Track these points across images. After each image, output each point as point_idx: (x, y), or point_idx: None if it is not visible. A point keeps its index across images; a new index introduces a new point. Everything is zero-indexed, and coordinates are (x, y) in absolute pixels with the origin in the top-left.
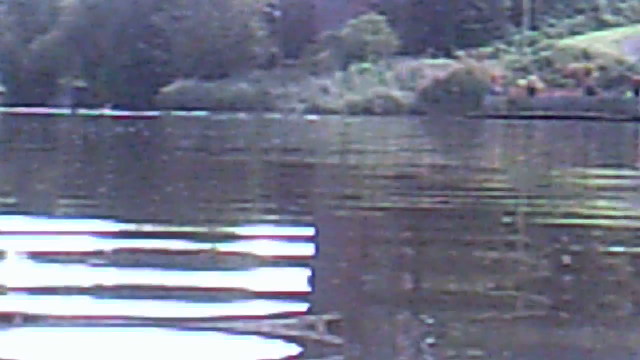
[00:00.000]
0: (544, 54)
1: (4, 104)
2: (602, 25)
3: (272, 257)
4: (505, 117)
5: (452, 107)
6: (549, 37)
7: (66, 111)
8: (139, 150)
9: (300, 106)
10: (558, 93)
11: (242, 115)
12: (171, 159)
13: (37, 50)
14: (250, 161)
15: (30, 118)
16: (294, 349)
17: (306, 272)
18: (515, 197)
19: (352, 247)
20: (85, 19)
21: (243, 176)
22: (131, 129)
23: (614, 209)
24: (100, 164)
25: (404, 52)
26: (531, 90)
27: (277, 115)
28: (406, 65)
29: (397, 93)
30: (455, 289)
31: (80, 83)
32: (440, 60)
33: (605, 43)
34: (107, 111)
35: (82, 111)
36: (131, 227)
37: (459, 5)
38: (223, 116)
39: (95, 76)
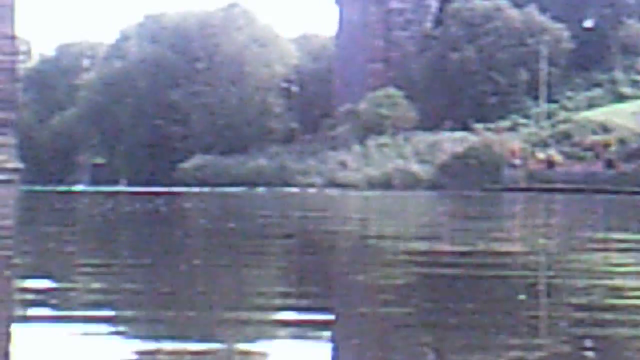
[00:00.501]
0: (562, 127)
1: (23, 181)
2: (620, 98)
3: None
4: (524, 190)
5: (471, 181)
6: (567, 110)
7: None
8: (157, 229)
9: (319, 180)
10: (577, 166)
11: (261, 190)
12: (189, 238)
13: (55, 127)
14: (269, 242)
15: (49, 195)
16: None
17: None
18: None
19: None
20: (104, 96)
21: (261, 258)
22: (149, 205)
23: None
24: (117, 245)
25: (421, 126)
26: (550, 163)
27: (296, 190)
28: (424, 139)
29: (415, 167)
30: None
31: (99, 159)
32: (459, 134)
33: (623, 116)
34: (122, 187)
35: (100, 188)
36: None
37: (477, 79)
38: (242, 191)
39: (114, 152)
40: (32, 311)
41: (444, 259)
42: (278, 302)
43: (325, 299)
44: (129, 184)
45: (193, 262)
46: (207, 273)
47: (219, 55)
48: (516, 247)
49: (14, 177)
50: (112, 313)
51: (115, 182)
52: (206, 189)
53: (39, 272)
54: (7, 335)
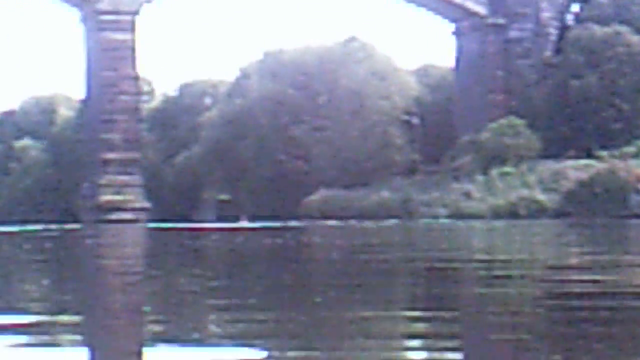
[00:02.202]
0: None
1: (150, 219)
2: None
3: None
4: None
5: (597, 208)
6: None
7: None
8: (288, 262)
9: (443, 212)
10: None
11: (386, 222)
12: (321, 271)
13: (180, 165)
14: (400, 271)
15: (177, 232)
16: None
17: None
18: None
19: None
20: (226, 133)
21: (392, 291)
22: (278, 240)
23: None
24: (250, 279)
25: (545, 155)
26: None
27: (420, 222)
28: (548, 167)
29: (540, 195)
30: None
31: (224, 196)
32: (583, 161)
33: None
34: (245, 223)
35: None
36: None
37: (599, 106)
38: (367, 224)
39: (238, 189)
40: (163, 350)
41: (577, 290)
42: (410, 330)
43: (457, 331)
44: (251, 220)
45: (329, 294)
46: (342, 307)
47: (339, 89)
48: None
49: (141, 215)
50: (248, 351)
51: (236, 219)
52: (331, 222)
53: (167, 308)
54: None
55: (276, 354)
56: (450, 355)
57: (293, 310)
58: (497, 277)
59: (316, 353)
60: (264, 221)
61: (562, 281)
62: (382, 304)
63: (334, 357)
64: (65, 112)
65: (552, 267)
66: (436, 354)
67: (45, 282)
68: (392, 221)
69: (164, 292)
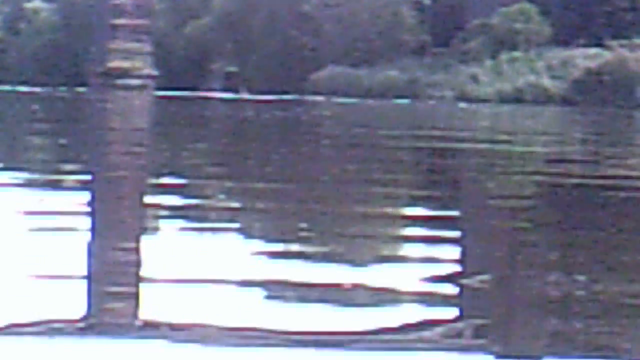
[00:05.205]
0: None
1: (157, 87)
2: None
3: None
4: None
5: (604, 98)
6: None
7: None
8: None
9: (450, 94)
10: None
11: (392, 102)
12: (322, 147)
13: (189, 35)
14: (404, 150)
15: (183, 101)
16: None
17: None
18: None
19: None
20: (237, 5)
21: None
22: (284, 114)
23: None
24: (247, 147)
25: (555, 42)
26: None
27: (428, 102)
28: (557, 55)
29: (547, 82)
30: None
31: (232, 68)
32: (592, 50)
33: None
34: (245, 95)
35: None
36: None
37: None
38: (374, 103)
39: (246, 61)
40: (163, 223)
41: (574, 180)
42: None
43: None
44: (251, 93)
45: (330, 171)
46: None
47: None
48: None
49: (149, 83)
50: (240, 225)
51: (235, 91)
52: (338, 100)
53: (170, 171)
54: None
55: (252, 225)
56: (447, 234)
57: (288, 184)
58: (496, 166)
59: (295, 225)
60: (266, 95)
61: (562, 174)
62: (382, 184)
63: (316, 229)
64: None
65: (550, 160)
66: (433, 234)
67: (56, 142)
68: (399, 101)
69: (170, 164)
